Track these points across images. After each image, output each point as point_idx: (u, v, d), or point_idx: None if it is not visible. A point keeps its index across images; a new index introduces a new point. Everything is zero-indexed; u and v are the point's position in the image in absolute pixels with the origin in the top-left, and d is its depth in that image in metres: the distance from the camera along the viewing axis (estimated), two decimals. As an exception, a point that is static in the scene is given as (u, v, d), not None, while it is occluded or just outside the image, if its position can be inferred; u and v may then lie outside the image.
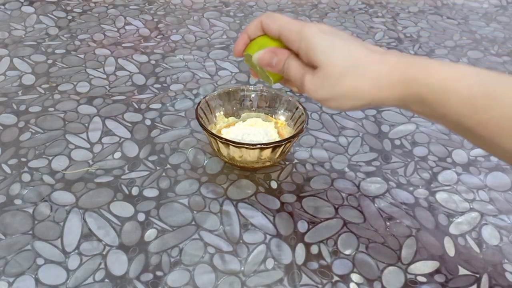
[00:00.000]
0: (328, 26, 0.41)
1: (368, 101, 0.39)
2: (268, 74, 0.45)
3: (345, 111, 0.41)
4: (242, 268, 0.47)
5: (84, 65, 0.78)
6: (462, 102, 0.35)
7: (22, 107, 0.67)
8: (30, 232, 0.50)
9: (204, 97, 0.61)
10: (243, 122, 0.63)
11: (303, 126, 0.57)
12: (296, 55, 0.42)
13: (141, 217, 0.52)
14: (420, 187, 0.58)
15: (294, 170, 0.59)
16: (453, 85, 0.35)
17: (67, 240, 0.49)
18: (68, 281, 0.45)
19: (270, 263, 0.48)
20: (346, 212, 0.54)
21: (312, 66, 0.40)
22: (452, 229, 0.53)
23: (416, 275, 0.48)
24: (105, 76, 0.75)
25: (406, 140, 0.66)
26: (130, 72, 0.77)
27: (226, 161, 0.58)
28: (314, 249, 0.50)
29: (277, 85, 0.74)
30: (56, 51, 0.81)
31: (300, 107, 0.60)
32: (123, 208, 0.53)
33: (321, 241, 0.50)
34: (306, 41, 0.39)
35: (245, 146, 0.54)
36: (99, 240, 0.49)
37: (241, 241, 0.50)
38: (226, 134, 0.60)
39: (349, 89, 0.38)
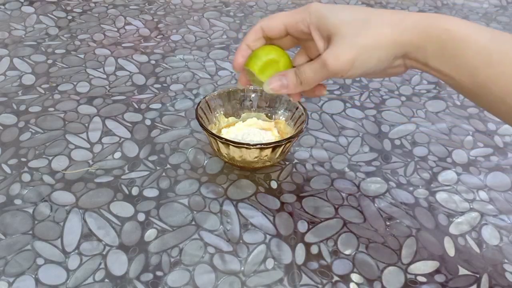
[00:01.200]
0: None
1: (391, 48, 0.38)
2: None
3: (372, 70, 0.40)
4: (242, 268, 0.47)
5: (84, 65, 0.78)
6: (478, 53, 0.36)
7: (22, 107, 0.67)
8: (30, 232, 0.50)
9: (204, 97, 0.61)
10: (243, 122, 0.63)
11: (303, 126, 0.57)
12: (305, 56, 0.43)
13: (141, 217, 0.52)
14: (420, 187, 0.58)
15: (294, 170, 0.59)
16: (472, 36, 0.36)
17: (67, 240, 0.49)
18: (68, 281, 0.45)
19: (270, 263, 0.48)
20: (346, 212, 0.54)
21: (323, 45, 0.40)
22: (452, 229, 0.53)
23: (416, 275, 0.48)
24: (105, 76, 0.75)
25: (406, 140, 0.66)
26: (130, 72, 0.77)
27: (226, 161, 0.58)
28: (314, 249, 0.50)
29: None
30: (56, 51, 0.81)
31: (300, 107, 0.60)
32: (123, 208, 0.53)
33: (321, 241, 0.50)
34: (316, 13, 0.40)
35: (245, 146, 0.54)
36: (99, 240, 0.49)
37: (241, 241, 0.50)
38: (226, 134, 0.60)
39: (371, 38, 0.38)
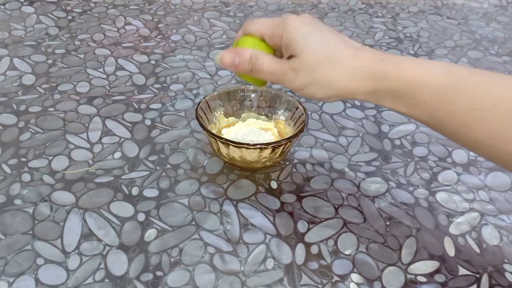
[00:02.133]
0: (310, 17, 0.42)
1: (340, 91, 0.40)
2: (248, 80, 0.46)
3: (317, 100, 0.44)
4: (242, 268, 0.47)
5: (84, 65, 0.78)
6: (432, 95, 0.37)
7: (22, 107, 0.67)
8: (30, 232, 0.50)
9: (204, 97, 0.61)
10: (243, 122, 0.63)
11: (303, 126, 0.57)
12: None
13: (141, 217, 0.52)
14: (420, 187, 0.58)
15: (294, 170, 0.59)
16: (424, 79, 0.37)
17: (67, 240, 0.49)
18: (68, 281, 0.45)
19: (270, 263, 0.48)
20: (346, 212, 0.54)
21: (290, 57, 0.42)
22: (452, 229, 0.53)
23: (416, 275, 0.48)
24: (105, 76, 0.75)
25: (406, 140, 0.66)
26: (130, 72, 0.77)
27: (226, 161, 0.58)
28: (314, 249, 0.50)
29: (277, 85, 0.75)
30: (56, 51, 0.81)
31: (300, 107, 0.60)
32: (123, 208, 0.53)
33: (321, 241, 0.50)
34: (288, 31, 0.41)
35: (245, 146, 0.54)
36: (99, 240, 0.49)
37: (241, 241, 0.50)
38: (226, 134, 0.60)
39: (324, 77, 0.40)
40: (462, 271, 0.48)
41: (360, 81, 0.39)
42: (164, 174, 0.58)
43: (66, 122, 0.65)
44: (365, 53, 0.40)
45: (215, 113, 0.62)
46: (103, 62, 0.79)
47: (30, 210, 0.52)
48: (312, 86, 0.41)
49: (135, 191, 0.55)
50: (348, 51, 0.40)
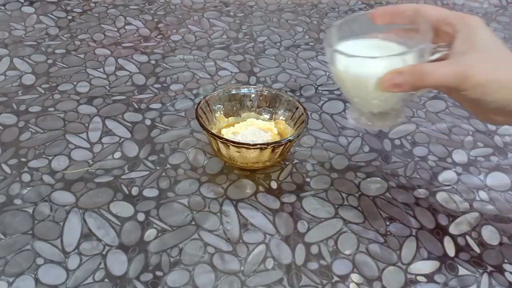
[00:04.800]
0: None
1: None
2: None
3: (484, 104, 0.40)
4: (242, 268, 0.47)
5: (84, 65, 0.78)
6: None
7: (22, 107, 0.67)
8: (30, 232, 0.50)
9: (204, 97, 0.61)
10: (243, 122, 0.63)
11: (303, 126, 0.57)
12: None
13: (141, 217, 0.52)
14: (420, 187, 0.58)
15: (294, 170, 0.59)
16: None
17: (67, 240, 0.49)
18: (68, 281, 0.45)
19: (270, 263, 0.48)
20: (346, 212, 0.54)
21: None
22: (452, 229, 0.53)
23: (416, 275, 0.48)
24: (105, 76, 0.75)
25: (406, 140, 0.66)
26: (130, 72, 0.77)
27: (226, 161, 0.58)
28: (314, 249, 0.50)
29: (277, 85, 0.75)
30: (56, 51, 0.81)
31: (300, 107, 0.60)
32: (123, 208, 0.53)
33: (321, 241, 0.50)
34: (470, 25, 0.40)
35: (245, 146, 0.54)
36: (99, 240, 0.49)
37: (241, 241, 0.50)
38: (226, 134, 0.60)
39: (506, 75, 0.38)
40: (462, 271, 0.48)
41: None
42: (164, 174, 0.58)
43: (66, 122, 0.65)
44: None
45: (215, 113, 0.62)
46: (103, 62, 0.79)
47: (30, 210, 0.52)
48: (489, 85, 0.38)
49: (135, 191, 0.55)
50: None
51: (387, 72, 0.40)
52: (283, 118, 0.62)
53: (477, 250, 0.51)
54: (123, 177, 0.57)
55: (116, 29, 0.89)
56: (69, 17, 0.92)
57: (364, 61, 0.41)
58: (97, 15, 0.93)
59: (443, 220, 0.54)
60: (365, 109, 0.47)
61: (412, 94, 0.44)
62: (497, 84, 0.38)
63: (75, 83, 0.73)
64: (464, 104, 0.44)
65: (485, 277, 0.48)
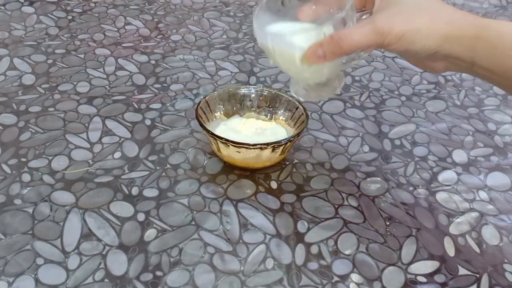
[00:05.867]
0: None
1: (440, 40, 0.39)
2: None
3: (414, 54, 0.40)
4: (242, 268, 0.47)
5: (84, 65, 0.78)
6: None
7: (22, 107, 0.67)
8: (30, 232, 0.50)
9: (204, 97, 0.61)
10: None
11: (303, 126, 0.57)
12: None
13: (141, 217, 0.52)
14: (420, 187, 0.58)
15: (294, 170, 0.59)
16: None
17: (67, 240, 0.49)
18: (67, 281, 0.45)
19: (270, 263, 0.48)
20: (346, 212, 0.54)
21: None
22: (452, 229, 0.53)
23: (416, 275, 0.48)
24: (105, 76, 0.75)
25: (406, 140, 0.66)
26: (130, 72, 0.77)
27: (226, 161, 0.58)
28: (314, 249, 0.50)
29: (277, 85, 0.75)
30: (56, 51, 0.81)
31: (300, 107, 0.60)
32: (123, 208, 0.53)
33: (321, 241, 0.50)
34: None
35: (245, 146, 0.54)
36: (99, 240, 0.49)
37: (241, 241, 0.50)
38: (226, 131, 0.60)
39: (425, 23, 0.39)
40: (462, 271, 0.48)
41: (462, 28, 0.38)
42: (164, 174, 0.58)
43: (66, 122, 0.65)
44: (461, 10, 0.40)
45: (215, 113, 0.62)
46: (103, 62, 0.79)
47: (30, 210, 0.52)
48: (413, 34, 0.39)
49: (135, 191, 0.55)
50: (446, 5, 0.39)
51: (309, 46, 0.41)
52: (283, 118, 0.62)
53: (477, 250, 0.51)
54: (123, 177, 0.57)
55: (116, 29, 0.89)
56: (69, 17, 0.92)
57: (286, 37, 0.43)
58: (97, 15, 0.93)
59: (443, 220, 0.54)
60: (302, 81, 0.49)
61: (344, 64, 0.45)
62: (418, 32, 0.39)
63: (75, 83, 0.73)
64: (406, 59, 0.45)
65: (485, 277, 0.48)
